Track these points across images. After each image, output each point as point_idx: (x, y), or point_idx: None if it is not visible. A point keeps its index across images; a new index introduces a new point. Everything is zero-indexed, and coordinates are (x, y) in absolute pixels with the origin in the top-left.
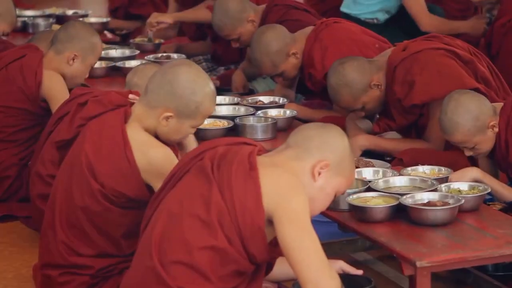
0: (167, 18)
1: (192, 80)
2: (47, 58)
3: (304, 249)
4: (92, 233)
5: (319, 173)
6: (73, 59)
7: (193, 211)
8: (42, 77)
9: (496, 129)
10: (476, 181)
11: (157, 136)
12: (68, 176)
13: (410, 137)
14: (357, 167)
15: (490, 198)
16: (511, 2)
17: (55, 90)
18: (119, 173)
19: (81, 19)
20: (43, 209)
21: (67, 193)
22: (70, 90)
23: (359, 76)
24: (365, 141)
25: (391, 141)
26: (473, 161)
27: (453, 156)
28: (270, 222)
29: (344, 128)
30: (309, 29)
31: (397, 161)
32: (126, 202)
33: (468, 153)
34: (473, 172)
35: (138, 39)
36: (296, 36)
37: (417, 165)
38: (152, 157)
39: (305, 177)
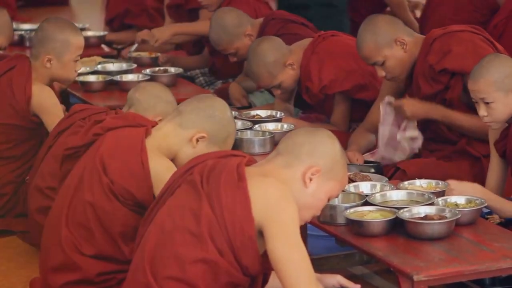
0: (164, 35)
1: (228, 111)
2: (33, 66)
3: (292, 263)
4: (95, 230)
5: (310, 179)
6: (49, 61)
7: (183, 225)
8: (32, 92)
9: None
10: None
11: (173, 160)
12: (80, 175)
13: None
14: (354, 181)
15: (489, 211)
16: (506, 5)
17: (46, 104)
18: (130, 173)
19: None
20: (42, 223)
21: (77, 189)
22: (66, 90)
23: (388, 28)
24: (415, 106)
25: (461, 115)
26: (476, 173)
27: (459, 169)
28: (261, 234)
29: (343, 144)
30: (306, 41)
31: (401, 173)
32: (132, 204)
33: (482, 111)
34: (475, 189)
35: (135, 53)
36: (292, 48)
37: (417, 178)
38: (161, 171)
39: (297, 184)
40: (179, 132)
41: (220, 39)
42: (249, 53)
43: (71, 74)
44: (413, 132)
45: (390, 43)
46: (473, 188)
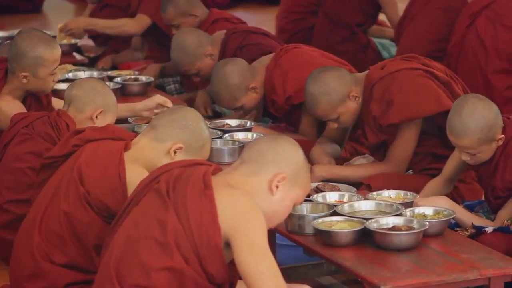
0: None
1: (201, 119)
2: (9, 78)
3: (260, 275)
4: (68, 239)
5: (277, 187)
6: (25, 77)
7: (149, 234)
8: None
9: (501, 142)
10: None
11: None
12: (57, 184)
13: (380, 156)
14: (322, 191)
15: (457, 223)
16: (460, 23)
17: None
18: (107, 184)
19: None
20: (5, 238)
21: (53, 198)
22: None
23: (339, 86)
24: (322, 171)
25: (347, 168)
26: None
27: (424, 183)
28: (228, 244)
29: (309, 153)
30: (267, 58)
31: (365, 187)
32: (107, 216)
33: (466, 158)
34: (442, 201)
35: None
36: (256, 69)
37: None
38: (138, 179)
39: (263, 192)
40: (155, 146)
41: (182, 61)
42: (213, 73)
43: (48, 86)
44: None
45: (344, 99)
46: (440, 200)
